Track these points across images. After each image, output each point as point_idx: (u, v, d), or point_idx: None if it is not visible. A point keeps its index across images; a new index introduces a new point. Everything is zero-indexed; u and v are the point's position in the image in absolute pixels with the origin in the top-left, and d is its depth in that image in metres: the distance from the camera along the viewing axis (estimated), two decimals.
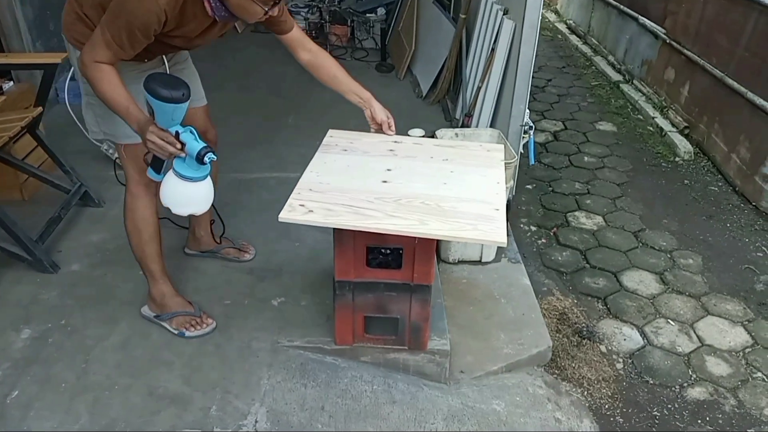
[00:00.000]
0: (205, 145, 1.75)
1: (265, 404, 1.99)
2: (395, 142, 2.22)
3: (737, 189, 3.93)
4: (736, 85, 4.03)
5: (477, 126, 3.46)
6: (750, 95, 3.85)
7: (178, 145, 1.73)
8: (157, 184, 1.93)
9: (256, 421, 1.92)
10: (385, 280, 2.03)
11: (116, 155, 3.26)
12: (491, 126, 3.31)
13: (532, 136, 2.96)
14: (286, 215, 1.76)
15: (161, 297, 2.23)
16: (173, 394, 2.01)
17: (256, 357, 2.15)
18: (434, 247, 1.99)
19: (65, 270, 2.55)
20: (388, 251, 1.99)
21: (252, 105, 4.37)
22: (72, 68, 3.11)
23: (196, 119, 2.24)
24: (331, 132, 2.26)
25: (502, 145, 2.35)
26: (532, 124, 2.93)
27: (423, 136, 2.66)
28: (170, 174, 1.81)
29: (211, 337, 2.23)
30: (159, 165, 1.91)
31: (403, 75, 5.03)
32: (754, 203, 3.75)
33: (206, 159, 1.75)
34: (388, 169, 2.03)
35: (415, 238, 1.91)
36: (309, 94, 4.45)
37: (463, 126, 3.72)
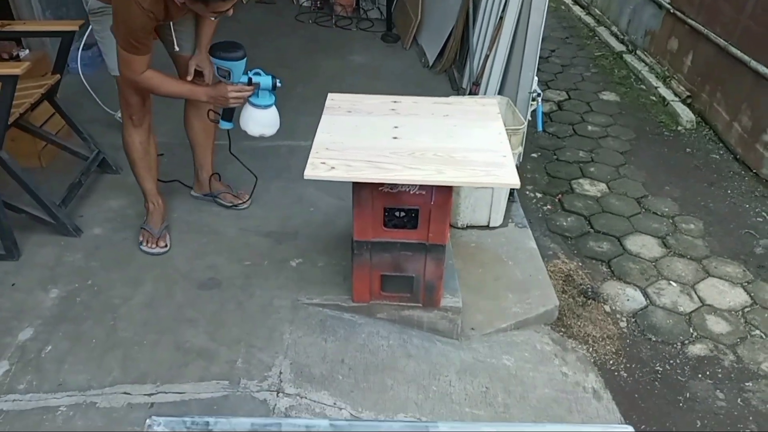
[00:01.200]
0: (272, 75, 2.21)
1: (288, 357, 2.08)
2: (394, 101, 2.30)
3: (738, 157, 4.00)
4: (739, 53, 4.07)
5: (485, 94, 3.51)
6: (753, 64, 3.90)
7: (251, 88, 2.20)
8: (141, 116, 2.38)
9: (280, 372, 2.02)
10: (402, 239, 2.11)
11: None
12: (499, 94, 3.36)
13: (539, 104, 3.01)
14: (310, 173, 1.84)
15: (147, 211, 2.63)
16: (199, 349, 2.10)
17: (278, 314, 2.25)
18: (449, 208, 2.07)
19: (88, 233, 2.63)
20: (404, 213, 2.07)
21: None
22: (83, 38, 3.20)
23: (185, 66, 2.43)
24: (331, 95, 2.34)
25: (495, 100, 2.41)
26: (540, 92, 2.99)
27: None
28: (249, 110, 2.25)
29: (233, 295, 2.32)
30: (230, 114, 2.34)
31: (408, 45, 5.04)
32: (754, 170, 3.83)
33: (278, 83, 2.22)
34: (395, 127, 2.12)
35: (431, 198, 1.99)
36: (316, 65, 4.47)
37: (471, 94, 3.76)
